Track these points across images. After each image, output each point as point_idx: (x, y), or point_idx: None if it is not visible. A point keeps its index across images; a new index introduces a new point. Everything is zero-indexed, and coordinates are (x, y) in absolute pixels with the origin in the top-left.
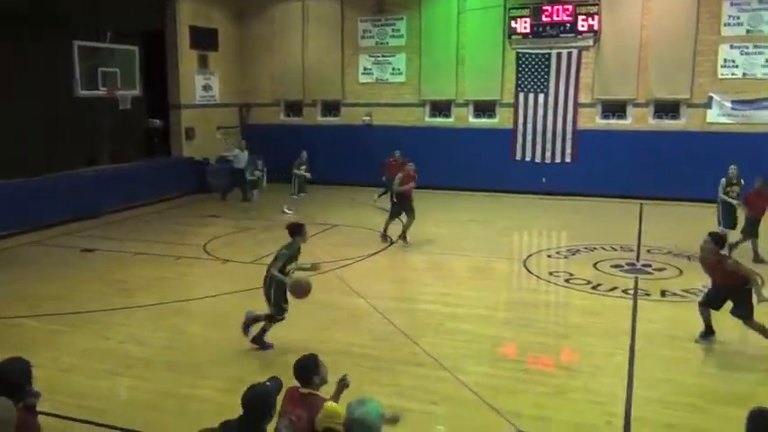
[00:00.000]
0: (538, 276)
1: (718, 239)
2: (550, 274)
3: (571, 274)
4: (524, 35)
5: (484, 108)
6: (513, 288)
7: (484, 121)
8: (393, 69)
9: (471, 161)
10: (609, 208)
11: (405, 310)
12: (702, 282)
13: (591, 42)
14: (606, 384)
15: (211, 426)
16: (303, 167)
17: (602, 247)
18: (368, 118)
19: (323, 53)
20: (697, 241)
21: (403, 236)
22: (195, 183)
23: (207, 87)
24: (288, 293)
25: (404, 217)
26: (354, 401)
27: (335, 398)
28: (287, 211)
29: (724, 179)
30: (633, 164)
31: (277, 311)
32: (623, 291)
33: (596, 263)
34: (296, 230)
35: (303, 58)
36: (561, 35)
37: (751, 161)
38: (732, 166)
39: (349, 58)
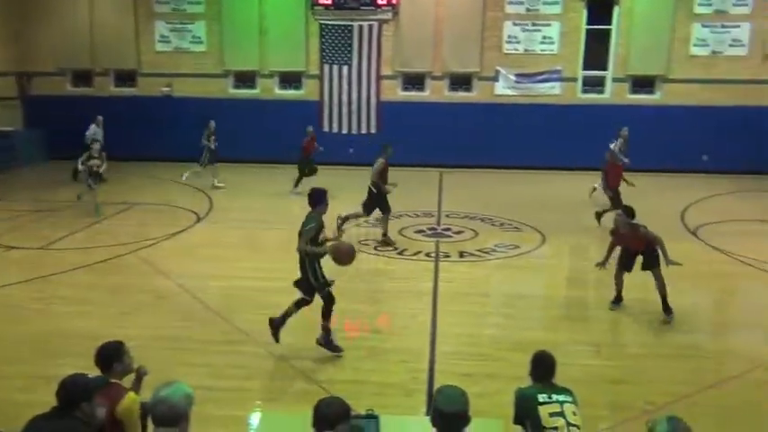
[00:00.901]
0: None
1: (628, 212)
2: (360, 242)
3: (379, 242)
4: (326, 6)
5: (290, 79)
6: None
7: (290, 93)
8: (193, 38)
9: (279, 133)
10: (412, 177)
11: (216, 288)
12: (494, 242)
13: (390, 16)
14: (413, 343)
15: None
16: (213, 138)
17: (407, 215)
18: (168, 89)
19: (113, 17)
20: (492, 205)
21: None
22: None
23: None
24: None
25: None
26: (161, 384)
27: (136, 387)
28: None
29: (620, 139)
30: (432, 134)
31: (320, 291)
32: (426, 254)
33: (401, 229)
34: (319, 198)
35: (91, 21)
36: (362, 8)
37: (533, 131)
38: (624, 129)
39: (143, 24)
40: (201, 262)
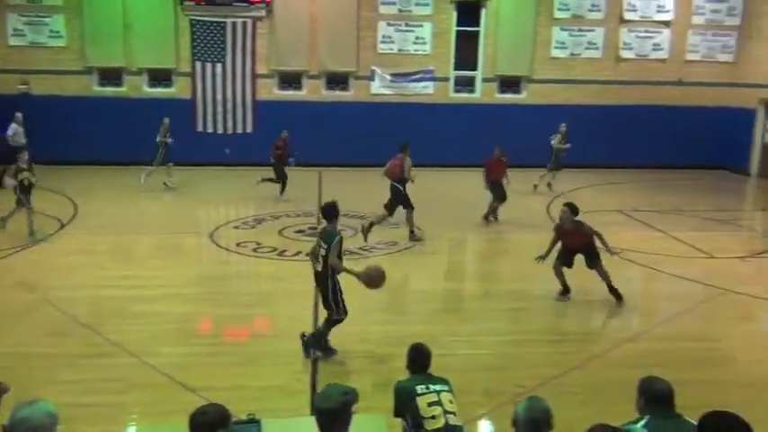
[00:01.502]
0: (226, 248)
1: (574, 209)
2: (238, 244)
3: (258, 243)
4: (197, 2)
5: (160, 77)
6: (201, 263)
7: (161, 91)
8: (51, 31)
9: (148, 133)
10: (291, 176)
11: (83, 299)
12: (375, 239)
13: (264, 13)
14: (295, 345)
15: None
16: (168, 135)
17: (287, 215)
18: (24, 86)
19: None
20: (373, 202)
21: (412, 234)
22: None
23: None
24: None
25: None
26: (22, 402)
27: None
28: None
29: (559, 134)
30: (311, 133)
31: (338, 312)
32: (307, 254)
33: (281, 230)
34: (334, 212)
35: None
36: (234, 4)
37: (408, 129)
38: (563, 124)
39: None
40: (67, 272)
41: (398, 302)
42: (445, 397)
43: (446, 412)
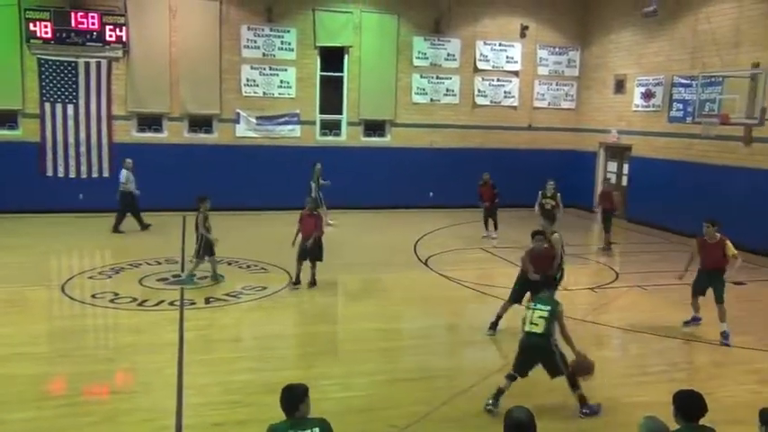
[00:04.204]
0: (81, 301)
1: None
2: (93, 296)
3: (116, 294)
4: (46, 41)
5: (4, 119)
6: (52, 317)
7: (5, 133)
8: None
9: None
10: (152, 221)
11: None
12: (242, 284)
13: (120, 54)
14: (157, 399)
15: None
16: (322, 179)
17: (147, 263)
18: None
19: None
20: (237, 247)
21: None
22: None
23: None
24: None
25: None
26: None
27: None
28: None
29: (540, 192)
30: (173, 176)
31: (565, 366)
32: (170, 303)
33: (142, 278)
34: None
35: None
36: (88, 44)
37: (275, 172)
38: (550, 181)
39: None
40: None
41: (268, 348)
42: None
43: None
